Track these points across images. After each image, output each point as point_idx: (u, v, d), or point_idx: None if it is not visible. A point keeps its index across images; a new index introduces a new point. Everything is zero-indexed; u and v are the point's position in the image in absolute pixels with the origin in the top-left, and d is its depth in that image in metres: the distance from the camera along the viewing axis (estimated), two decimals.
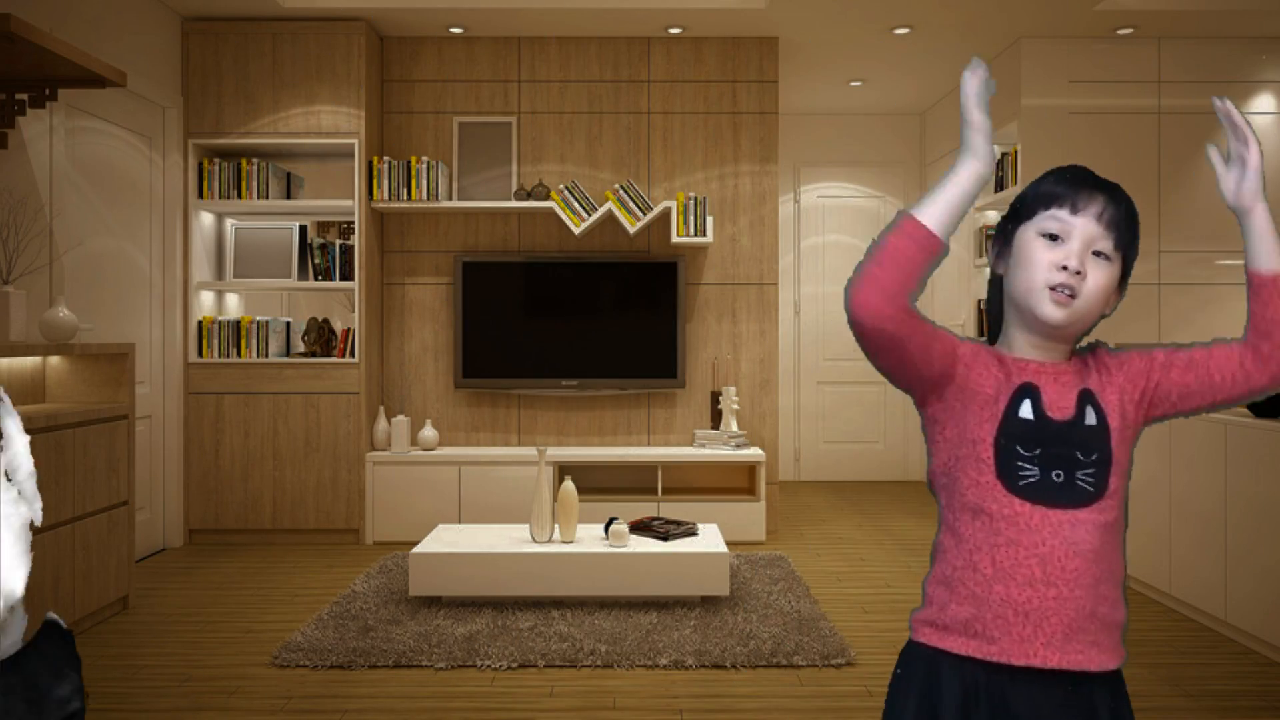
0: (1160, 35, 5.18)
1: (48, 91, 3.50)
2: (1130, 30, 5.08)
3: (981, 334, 5.88)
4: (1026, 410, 1.16)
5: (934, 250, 1.11)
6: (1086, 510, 1.14)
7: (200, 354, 4.88)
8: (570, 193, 5.04)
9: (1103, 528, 1.14)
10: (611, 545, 3.76)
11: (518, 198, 5.12)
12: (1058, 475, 1.15)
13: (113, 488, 3.59)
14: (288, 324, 5.14)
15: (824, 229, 6.98)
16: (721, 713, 2.72)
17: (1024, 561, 1.13)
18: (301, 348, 5.11)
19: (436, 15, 4.92)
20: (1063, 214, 1.17)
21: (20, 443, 1.30)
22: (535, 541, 3.81)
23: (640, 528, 3.99)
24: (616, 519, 3.86)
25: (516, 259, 5.14)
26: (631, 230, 5.02)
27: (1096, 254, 1.16)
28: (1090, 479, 1.14)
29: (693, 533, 3.96)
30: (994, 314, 1.29)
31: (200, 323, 4.88)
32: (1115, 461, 1.15)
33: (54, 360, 3.67)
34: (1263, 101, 5.24)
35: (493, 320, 5.14)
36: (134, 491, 3.75)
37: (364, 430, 4.91)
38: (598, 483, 5.23)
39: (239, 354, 4.89)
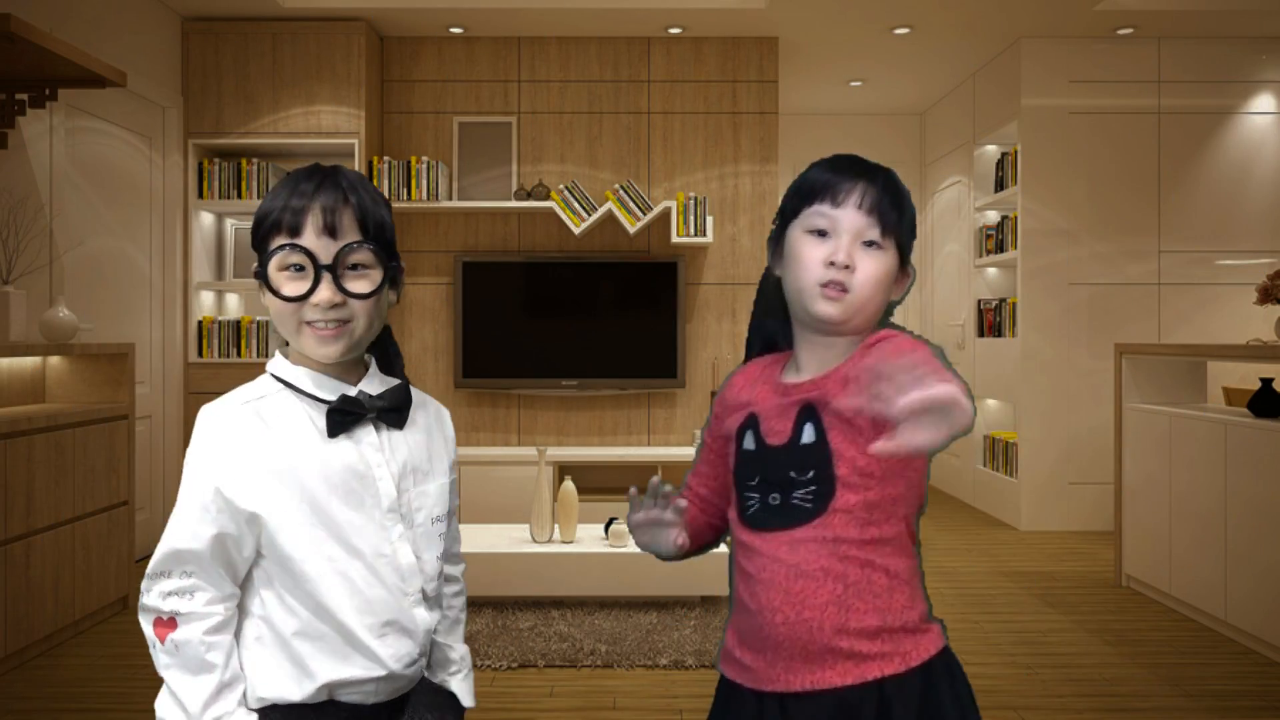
0: (1160, 35, 5.18)
1: (48, 91, 3.50)
2: (1130, 30, 5.08)
3: (982, 334, 5.88)
4: (749, 442, 1.17)
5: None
6: (806, 528, 1.10)
7: (200, 354, 4.88)
8: (570, 193, 5.04)
9: (829, 544, 1.10)
10: (611, 545, 3.76)
11: (518, 198, 5.12)
12: (774, 499, 1.13)
13: (113, 488, 3.59)
14: None
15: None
16: None
17: (756, 591, 1.13)
18: None
19: (436, 15, 4.92)
20: (825, 208, 1.14)
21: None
22: (535, 541, 3.81)
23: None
24: (616, 519, 3.85)
25: (516, 259, 5.14)
26: (631, 230, 5.02)
27: (867, 244, 1.13)
28: (809, 497, 1.11)
29: None
30: (773, 317, 1.26)
31: (200, 323, 4.88)
32: (840, 476, 1.10)
33: (54, 360, 3.67)
34: (1263, 101, 5.24)
35: (493, 320, 5.14)
36: (134, 491, 3.75)
37: None
38: (598, 483, 5.22)
39: (239, 354, 4.89)
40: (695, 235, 5.03)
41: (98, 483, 3.49)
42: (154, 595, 1.14)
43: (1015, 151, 5.37)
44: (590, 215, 5.03)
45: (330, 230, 1.14)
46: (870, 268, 1.13)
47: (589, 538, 3.90)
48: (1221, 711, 2.74)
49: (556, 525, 3.91)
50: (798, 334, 1.20)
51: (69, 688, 2.91)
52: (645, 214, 5.02)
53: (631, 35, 5.25)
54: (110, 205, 4.34)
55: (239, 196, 4.92)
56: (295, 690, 1.15)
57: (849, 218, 1.13)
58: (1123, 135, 5.24)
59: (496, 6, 4.81)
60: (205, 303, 5.01)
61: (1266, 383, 3.34)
